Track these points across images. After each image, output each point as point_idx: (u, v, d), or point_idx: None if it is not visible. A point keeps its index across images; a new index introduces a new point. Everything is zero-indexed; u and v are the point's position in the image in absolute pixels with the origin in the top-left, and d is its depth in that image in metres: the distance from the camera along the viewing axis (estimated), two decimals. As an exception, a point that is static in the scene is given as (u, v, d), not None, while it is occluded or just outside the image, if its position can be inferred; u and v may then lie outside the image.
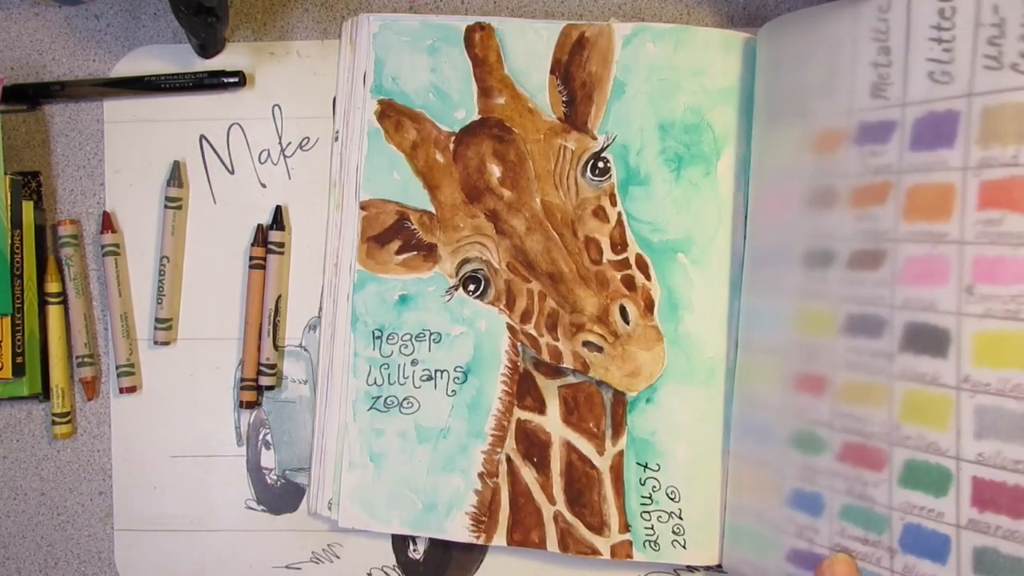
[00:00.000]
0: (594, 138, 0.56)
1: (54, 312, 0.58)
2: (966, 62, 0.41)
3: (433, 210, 0.56)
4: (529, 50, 0.56)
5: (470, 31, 0.57)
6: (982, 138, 0.41)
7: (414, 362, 0.57)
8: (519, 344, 0.56)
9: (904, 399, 0.44)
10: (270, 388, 0.58)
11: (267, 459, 0.59)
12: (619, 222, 0.55)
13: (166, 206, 0.58)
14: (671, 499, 0.55)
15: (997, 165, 0.40)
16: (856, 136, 0.46)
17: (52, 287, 0.58)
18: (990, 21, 0.40)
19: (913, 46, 0.43)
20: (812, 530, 0.48)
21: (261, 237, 0.58)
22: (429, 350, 0.56)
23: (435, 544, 0.58)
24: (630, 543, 0.55)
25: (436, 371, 0.56)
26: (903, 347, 0.44)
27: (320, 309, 0.59)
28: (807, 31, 0.50)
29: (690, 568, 0.57)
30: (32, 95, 0.59)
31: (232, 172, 0.59)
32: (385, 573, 0.58)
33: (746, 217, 0.55)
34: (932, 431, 0.42)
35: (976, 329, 0.41)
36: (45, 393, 0.59)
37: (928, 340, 0.42)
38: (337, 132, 0.58)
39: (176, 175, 0.58)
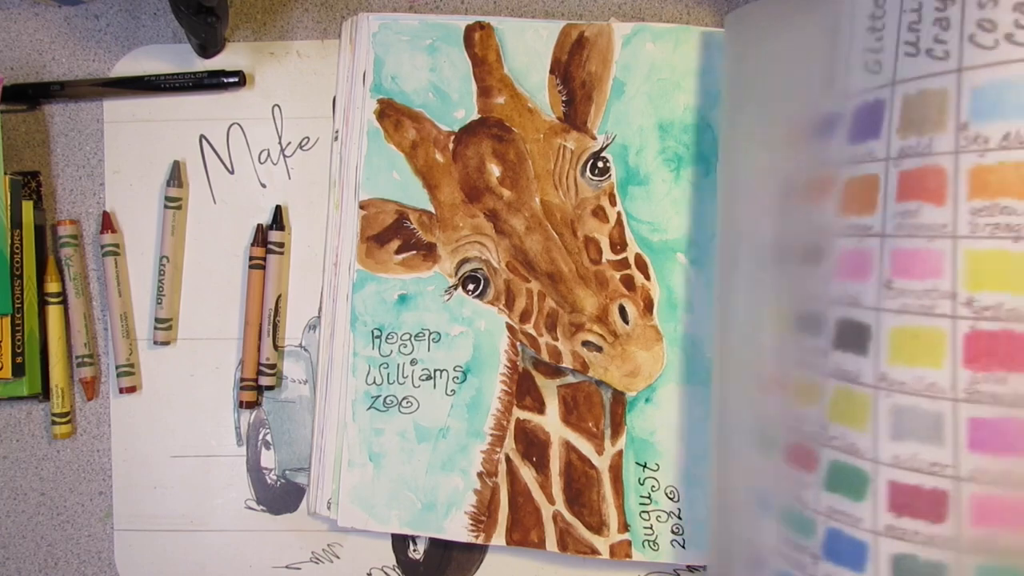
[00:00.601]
0: (594, 138, 0.56)
1: (54, 312, 0.58)
2: (892, 49, 0.40)
3: (432, 210, 0.56)
4: (529, 50, 0.56)
5: (470, 30, 0.57)
6: (901, 127, 0.39)
7: (413, 362, 0.57)
8: (518, 344, 0.56)
9: (832, 398, 0.42)
10: (270, 388, 0.58)
11: (267, 459, 0.59)
12: (618, 222, 0.55)
13: (166, 206, 0.58)
14: (670, 499, 0.55)
15: (913, 155, 0.39)
16: (811, 130, 0.45)
17: (52, 287, 0.58)
18: (911, 6, 0.39)
19: (855, 36, 0.42)
20: (765, 533, 0.46)
21: (261, 237, 0.58)
22: (428, 350, 0.56)
23: (435, 544, 0.58)
24: (629, 543, 0.55)
25: (435, 371, 0.56)
26: (835, 344, 0.42)
27: (320, 309, 0.59)
28: (768, 21, 0.48)
29: (690, 568, 0.57)
30: (32, 95, 0.59)
31: (232, 172, 0.59)
32: (385, 573, 0.58)
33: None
34: (853, 431, 0.41)
35: (893, 325, 0.39)
36: (45, 393, 0.59)
37: (853, 337, 0.41)
38: (337, 132, 0.58)
39: (176, 175, 0.59)
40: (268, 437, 0.59)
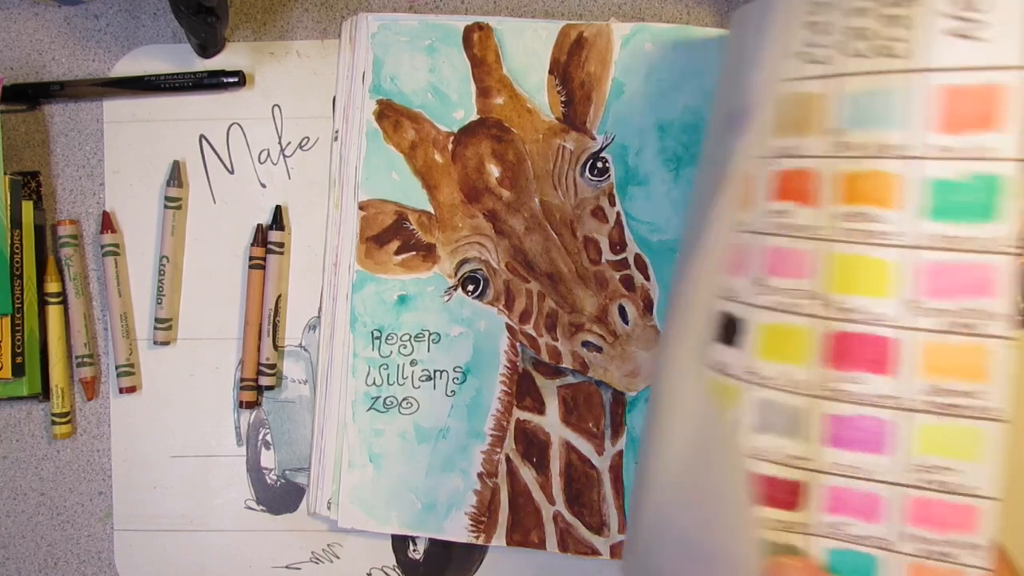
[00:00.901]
0: (593, 138, 0.56)
1: (54, 312, 0.58)
2: (777, 51, 0.40)
3: (432, 210, 0.56)
4: (528, 50, 0.56)
5: (469, 31, 0.56)
6: (777, 128, 0.40)
7: (413, 362, 0.57)
8: (518, 344, 0.56)
9: (708, 389, 0.42)
10: (270, 388, 0.58)
11: (267, 459, 0.59)
12: (618, 222, 0.55)
13: (166, 206, 0.58)
14: (670, 499, 0.55)
15: (788, 156, 0.40)
16: (719, 126, 0.45)
17: (52, 287, 0.58)
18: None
19: (758, 35, 0.42)
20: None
21: (261, 237, 0.58)
22: (428, 350, 0.56)
23: (435, 544, 0.58)
24: (630, 543, 0.55)
25: (435, 371, 0.56)
26: (716, 337, 0.42)
27: (320, 309, 0.59)
28: (745, 20, 0.48)
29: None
30: (32, 95, 0.59)
31: (232, 172, 0.59)
32: (385, 573, 0.58)
33: None
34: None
35: (762, 321, 0.40)
36: (45, 393, 0.59)
37: (727, 330, 0.41)
38: (337, 132, 0.58)
39: (176, 175, 0.59)
40: (268, 437, 0.59)
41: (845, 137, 0.38)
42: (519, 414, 0.56)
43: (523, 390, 0.56)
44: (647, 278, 0.55)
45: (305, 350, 0.59)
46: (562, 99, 0.56)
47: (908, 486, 0.38)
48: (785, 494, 0.39)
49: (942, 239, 0.36)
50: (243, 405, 0.58)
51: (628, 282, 0.55)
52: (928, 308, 0.37)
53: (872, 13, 0.37)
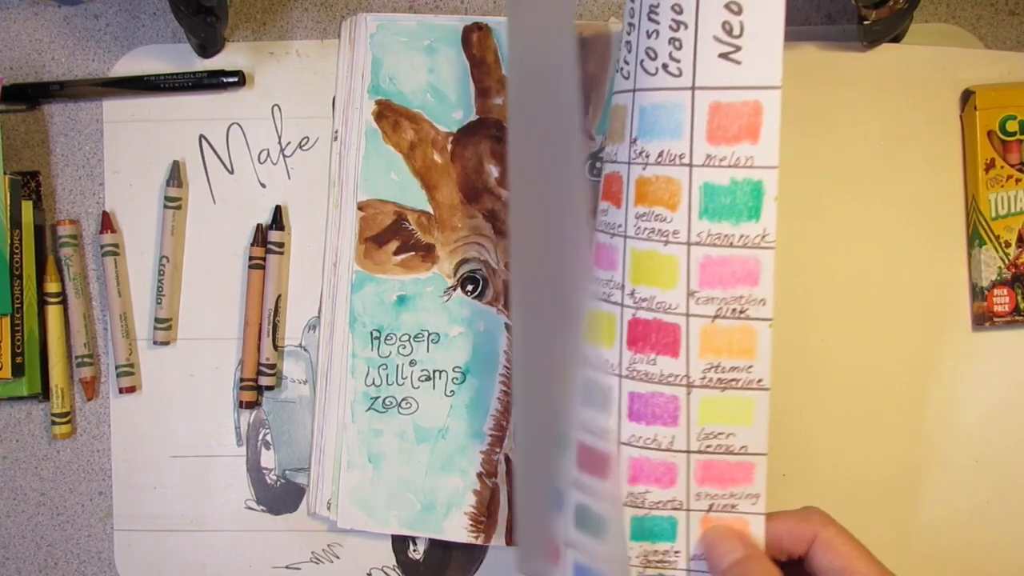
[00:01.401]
0: (592, 138, 0.56)
1: (53, 312, 0.58)
2: (613, 67, 0.46)
3: (431, 210, 0.56)
4: (527, 50, 0.56)
5: (468, 31, 0.56)
6: (608, 135, 0.47)
7: (412, 362, 0.56)
8: (518, 344, 0.56)
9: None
10: (270, 388, 0.58)
11: (267, 459, 0.59)
12: (617, 222, 0.55)
13: (166, 206, 0.58)
14: (670, 500, 0.55)
15: (608, 160, 0.46)
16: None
17: (51, 287, 0.58)
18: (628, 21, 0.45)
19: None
20: None
21: (261, 237, 0.58)
22: (427, 350, 0.56)
23: (435, 544, 0.58)
24: (629, 544, 0.55)
25: (434, 371, 0.56)
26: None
27: (319, 309, 0.59)
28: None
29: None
30: (31, 95, 0.59)
31: (232, 172, 0.59)
32: (385, 573, 0.58)
33: None
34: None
35: (589, 308, 0.45)
36: (45, 393, 0.59)
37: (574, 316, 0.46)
38: (336, 132, 0.58)
39: (176, 175, 0.59)
40: (268, 437, 0.59)
41: (640, 146, 0.43)
42: (519, 414, 0.56)
43: (523, 390, 0.56)
44: (646, 278, 0.55)
45: (305, 350, 0.59)
46: (561, 99, 0.56)
47: (696, 452, 0.43)
48: (596, 462, 0.44)
49: (713, 236, 0.42)
50: (243, 405, 0.58)
51: (627, 282, 0.55)
52: (704, 297, 0.42)
53: (661, 36, 0.42)
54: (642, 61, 0.43)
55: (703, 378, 0.43)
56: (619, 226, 0.44)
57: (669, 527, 0.44)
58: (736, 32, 0.40)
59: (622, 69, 0.45)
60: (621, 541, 0.44)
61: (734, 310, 0.42)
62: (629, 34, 0.44)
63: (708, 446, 0.43)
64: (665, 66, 0.42)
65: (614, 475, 0.44)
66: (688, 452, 0.43)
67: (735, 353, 0.42)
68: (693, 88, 0.41)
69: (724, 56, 0.40)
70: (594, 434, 0.44)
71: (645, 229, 0.43)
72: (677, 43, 0.41)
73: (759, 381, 0.43)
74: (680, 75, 0.41)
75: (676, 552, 0.44)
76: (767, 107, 0.40)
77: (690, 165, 0.42)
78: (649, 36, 0.42)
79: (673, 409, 0.43)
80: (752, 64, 0.40)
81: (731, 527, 0.44)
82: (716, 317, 0.42)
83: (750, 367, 0.42)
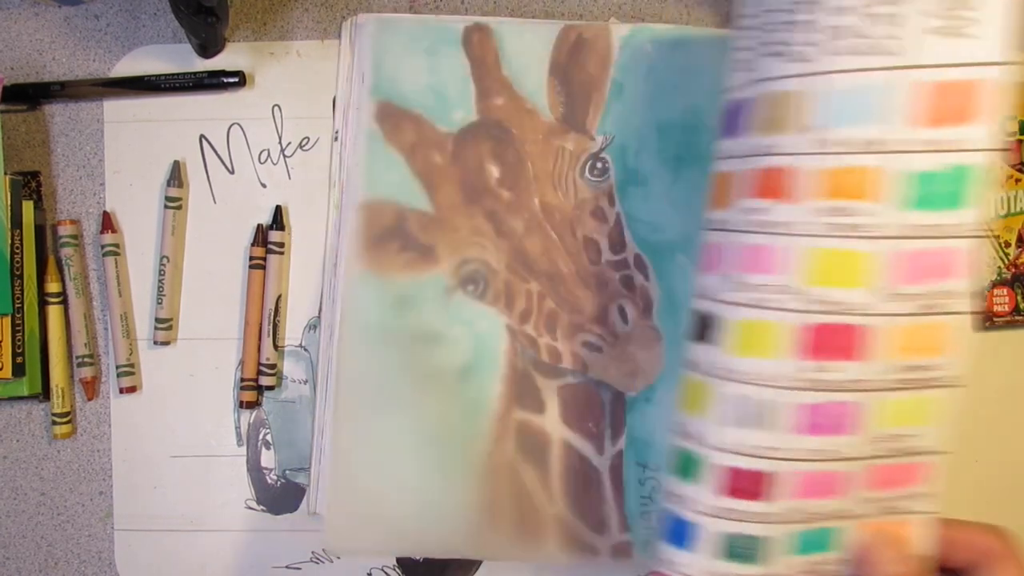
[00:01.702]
0: (592, 139, 0.56)
1: (54, 312, 0.58)
2: (761, 50, 0.41)
3: (432, 211, 0.56)
4: (527, 51, 0.56)
5: (468, 32, 0.56)
6: (757, 126, 0.41)
7: (413, 363, 0.56)
8: (518, 344, 0.56)
9: (684, 387, 0.44)
10: (270, 388, 0.59)
11: (267, 459, 0.59)
12: (617, 222, 0.55)
13: (166, 206, 0.58)
14: (670, 500, 0.55)
15: (765, 154, 0.41)
16: (716, 128, 0.46)
17: (52, 287, 0.58)
18: (775, 6, 0.41)
19: (757, 33, 0.43)
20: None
21: (261, 237, 0.58)
22: (428, 351, 0.56)
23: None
24: (630, 543, 0.55)
25: (435, 372, 0.56)
26: (693, 335, 0.44)
27: (320, 309, 0.59)
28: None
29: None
30: (32, 95, 0.59)
31: (232, 172, 0.59)
32: (385, 573, 0.58)
33: None
34: (694, 418, 0.43)
35: (735, 317, 0.41)
36: (45, 393, 0.59)
37: (701, 327, 0.43)
38: (337, 132, 0.58)
39: (176, 175, 0.59)
40: (268, 437, 0.59)
41: (825, 134, 0.38)
42: (519, 414, 0.56)
43: (523, 390, 0.56)
44: (647, 278, 0.55)
45: (305, 350, 0.59)
46: (562, 100, 0.56)
47: (869, 458, 0.40)
48: (751, 484, 0.41)
49: (918, 228, 0.38)
50: (243, 405, 0.58)
51: (628, 282, 0.55)
52: (899, 294, 0.38)
53: (856, 12, 0.37)
54: (828, 41, 0.38)
55: (887, 380, 0.40)
56: (787, 224, 0.40)
57: (832, 537, 0.42)
58: (960, 3, 0.36)
59: (783, 52, 0.40)
60: (783, 562, 0.41)
61: (930, 305, 0.39)
62: (798, 13, 0.39)
63: (883, 450, 0.41)
64: (862, 44, 0.38)
65: (775, 493, 0.41)
66: (864, 459, 0.41)
67: (926, 351, 0.40)
68: (903, 67, 0.37)
69: (943, 31, 0.36)
70: (748, 455, 0.41)
71: (829, 225, 0.39)
72: (881, 18, 0.37)
73: (949, 377, 0.40)
74: (887, 53, 0.37)
75: (838, 560, 0.42)
76: (989, 84, 0.37)
77: (894, 152, 0.38)
78: (840, 12, 0.38)
79: (849, 416, 0.40)
80: (977, 38, 0.36)
81: (893, 533, 0.41)
82: (909, 315, 0.39)
83: (940, 364, 0.40)
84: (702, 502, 0.42)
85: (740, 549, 0.41)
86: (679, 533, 0.43)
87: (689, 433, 0.43)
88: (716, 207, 0.44)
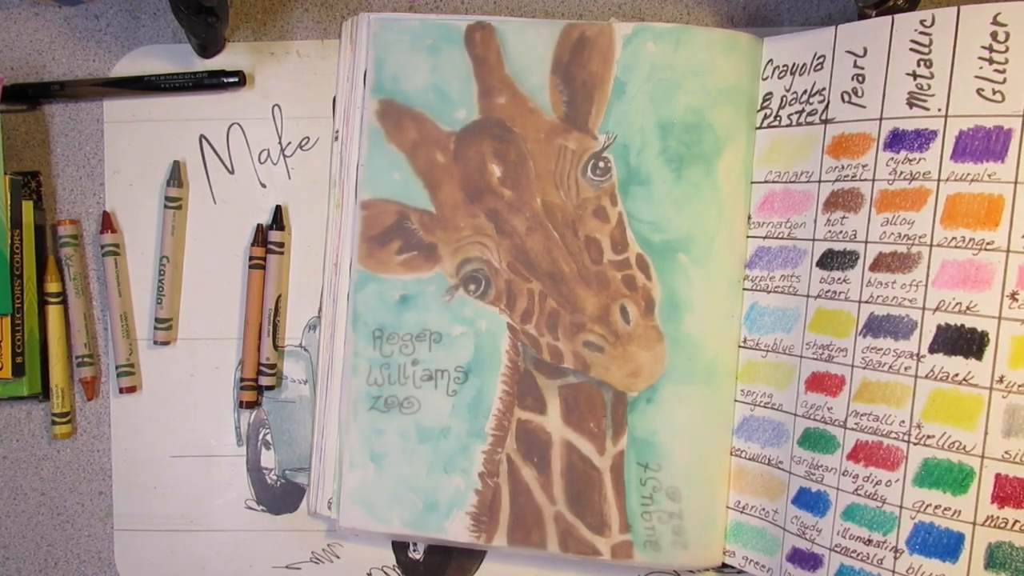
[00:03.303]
0: (595, 138, 0.56)
1: (54, 312, 0.58)
2: (1019, 83, 0.45)
3: (433, 210, 0.56)
4: (529, 50, 0.56)
5: (471, 31, 0.56)
6: None
7: (414, 362, 0.56)
8: (520, 344, 0.56)
9: (930, 399, 0.46)
10: (270, 388, 0.58)
11: (267, 459, 0.59)
12: (619, 222, 0.55)
13: (166, 206, 0.58)
14: (672, 499, 0.55)
15: None
16: (887, 141, 0.48)
17: (52, 287, 0.58)
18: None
19: (960, 63, 0.46)
20: (815, 530, 0.50)
21: (261, 237, 0.58)
22: (429, 350, 0.56)
23: (435, 544, 0.58)
24: (631, 543, 0.55)
25: (436, 371, 0.56)
26: (933, 348, 0.46)
27: (320, 309, 0.59)
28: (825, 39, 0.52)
29: (691, 571, 0.57)
30: (32, 95, 0.59)
31: (232, 172, 0.59)
32: (385, 573, 0.58)
33: (749, 216, 0.55)
34: (958, 430, 0.45)
35: (1016, 333, 0.44)
36: (45, 393, 0.59)
37: (963, 342, 0.45)
38: (337, 132, 0.58)
39: (176, 175, 0.58)
40: (268, 437, 0.59)
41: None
42: (520, 414, 0.56)
43: (524, 390, 0.56)
44: (648, 278, 0.55)
45: (305, 350, 0.59)
46: (564, 99, 0.56)
47: None
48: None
49: None
50: (243, 405, 0.58)
51: (630, 282, 0.55)
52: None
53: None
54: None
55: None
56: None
57: None
58: None
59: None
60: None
61: None
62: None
63: None
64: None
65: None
66: None
67: None
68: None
69: None
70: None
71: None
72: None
73: None
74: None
75: None
76: None
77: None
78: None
79: None
80: None
81: None
82: None
83: None
84: (971, 512, 0.45)
85: (1008, 559, 0.45)
86: (939, 545, 0.46)
87: (953, 444, 0.46)
88: (971, 226, 0.46)
